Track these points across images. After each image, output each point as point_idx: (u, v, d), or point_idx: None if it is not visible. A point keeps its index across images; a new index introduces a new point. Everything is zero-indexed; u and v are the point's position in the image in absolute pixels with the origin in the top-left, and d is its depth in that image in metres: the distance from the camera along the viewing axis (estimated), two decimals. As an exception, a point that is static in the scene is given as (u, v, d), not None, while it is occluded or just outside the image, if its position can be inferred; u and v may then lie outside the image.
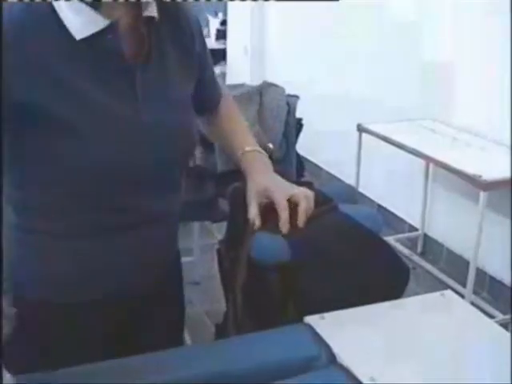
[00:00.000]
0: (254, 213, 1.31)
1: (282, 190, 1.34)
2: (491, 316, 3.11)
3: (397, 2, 3.93)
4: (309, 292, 1.26)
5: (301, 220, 1.30)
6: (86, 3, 1.14)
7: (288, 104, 2.44)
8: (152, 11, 1.24)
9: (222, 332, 1.49)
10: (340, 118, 4.28)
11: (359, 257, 1.32)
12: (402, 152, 3.37)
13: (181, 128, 1.32)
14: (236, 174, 1.44)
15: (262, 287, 1.33)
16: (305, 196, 1.32)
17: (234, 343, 1.24)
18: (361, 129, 3.63)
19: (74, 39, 1.14)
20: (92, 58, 1.17)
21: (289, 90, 2.54)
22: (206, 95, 1.48)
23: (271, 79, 2.58)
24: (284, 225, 1.29)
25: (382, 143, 3.49)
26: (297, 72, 4.96)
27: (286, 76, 4.65)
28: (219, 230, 1.51)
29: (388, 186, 4.15)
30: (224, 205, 1.41)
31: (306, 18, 4.89)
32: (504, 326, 2.98)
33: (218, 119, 1.55)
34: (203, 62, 1.42)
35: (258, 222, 1.30)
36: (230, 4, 6.08)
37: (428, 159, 3.36)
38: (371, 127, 3.58)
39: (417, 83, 3.81)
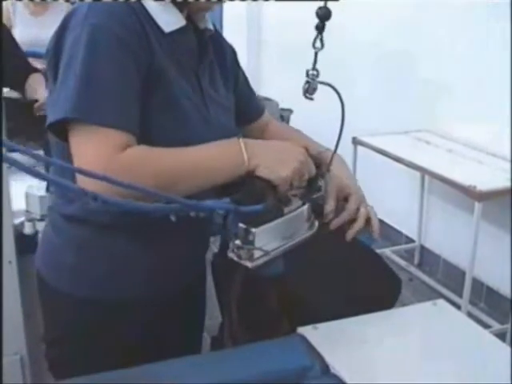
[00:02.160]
0: (331, 207, 1.37)
1: (358, 194, 1.45)
2: (488, 326, 3.11)
3: (394, 12, 3.95)
4: (302, 303, 1.28)
5: (376, 231, 1.42)
6: (175, 4, 1.30)
7: (282, 117, 2.46)
8: (208, 24, 1.41)
9: (217, 344, 1.50)
10: (335, 131, 4.29)
11: (351, 268, 1.33)
12: (397, 164, 3.38)
13: (231, 130, 1.42)
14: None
15: (257, 299, 1.34)
16: (372, 210, 1.47)
17: (229, 354, 1.25)
18: (356, 141, 3.65)
19: (163, 32, 1.28)
20: (174, 50, 1.31)
21: (282, 104, 2.57)
22: (242, 106, 1.54)
23: (265, 93, 2.60)
24: (356, 230, 1.39)
25: (378, 156, 3.50)
26: (291, 85, 4.98)
27: (280, 89, 4.68)
28: (215, 243, 1.53)
29: (384, 198, 4.15)
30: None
31: (301, 31, 4.91)
32: (501, 335, 3.00)
33: (272, 128, 1.64)
34: (237, 74, 1.55)
35: (331, 216, 1.37)
36: (225, 18, 6.11)
37: (423, 171, 3.38)
38: (366, 140, 3.60)
39: (412, 95, 3.83)
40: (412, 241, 4.01)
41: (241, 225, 1.13)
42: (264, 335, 1.26)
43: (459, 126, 3.52)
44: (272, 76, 5.48)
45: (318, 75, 1.31)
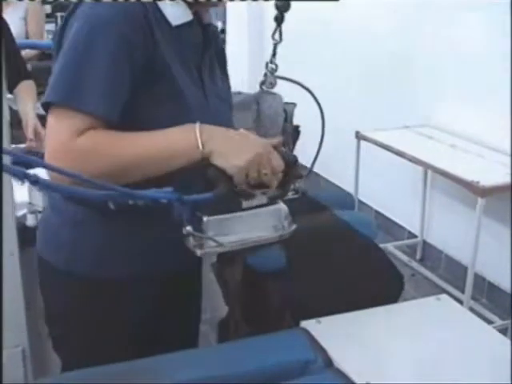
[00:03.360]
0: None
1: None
2: (490, 322, 3.10)
3: (396, 9, 3.94)
4: (304, 297, 1.28)
5: None
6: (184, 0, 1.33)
7: (285, 111, 2.45)
8: (212, 19, 1.44)
9: (224, 334, 1.50)
10: (338, 126, 4.29)
11: (354, 263, 1.33)
12: (400, 159, 3.38)
13: (230, 121, 1.47)
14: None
15: (259, 293, 1.34)
16: None
17: (233, 347, 1.25)
18: (359, 136, 3.64)
19: (170, 25, 1.31)
20: (180, 43, 1.34)
21: (286, 98, 2.56)
22: None
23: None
24: None
25: (381, 150, 3.50)
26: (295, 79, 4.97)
27: (283, 83, 4.66)
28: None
29: (387, 193, 4.16)
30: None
31: (304, 25, 4.91)
32: (503, 331, 2.99)
33: None
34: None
35: None
36: (229, 13, 6.10)
37: (426, 166, 3.37)
38: (370, 135, 3.59)
39: (415, 90, 3.82)
40: (414, 236, 4.00)
41: (197, 212, 1.13)
42: (266, 328, 1.26)
43: (462, 121, 3.51)
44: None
45: (276, 69, 1.31)
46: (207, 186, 1.16)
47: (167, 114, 1.29)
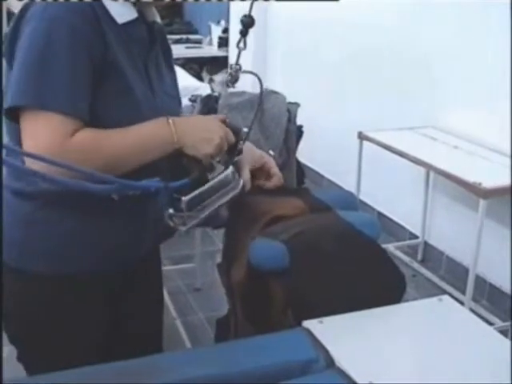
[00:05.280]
0: (247, 175, 1.49)
1: (270, 158, 1.60)
2: (490, 323, 3.11)
3: (398, 11, 3.94)
4: (307, 297, 1.28)
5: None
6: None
7: (289, 111, 2.46)
8: (156, 17, 1.48)
9: (222, 332, 1.50)
10: (341, 126, 4.29)
11: (357, 263, 1.33)
12: (402, 160, 3.38)
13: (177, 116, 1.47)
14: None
15: (262, 292, 1.34)
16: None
17: (234, 346, 1.25)
18: (362, 137, 3.64)
19: (116, 23, 1.36)
20: (126, 41, 1.38)
21: (289, 98, 2.57)
22: None
23: (273, 87, 2.60)
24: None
25: (383, 151, 3.50)
26: (298, 79, 4.98)
27: (287, 83, 4.66)
28: (220, 237, 1.54)
29: (389, 193, 4.16)
30: (225, 211, 1.45)
31: (307, 25, 4.92)
32: (503, 333, 2.99)
33: None
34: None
35: (249, 184, 1.48)
36: (232, 12, 6.10)
37: (428, 167, 3.37)
38: (372, 135, 3.59)
39: (419, 92, 3.82)
40: (416, 237, 4.01)
41: (175, 195, 1.29)
42: (268, 328, 1.26)
43: (465, 123, 3.51)
44: (279, 69, 5.48)
45: (240, 69, 1.44)
46: (175, 172, 1.33)
47: (117, 110, 1.34)
